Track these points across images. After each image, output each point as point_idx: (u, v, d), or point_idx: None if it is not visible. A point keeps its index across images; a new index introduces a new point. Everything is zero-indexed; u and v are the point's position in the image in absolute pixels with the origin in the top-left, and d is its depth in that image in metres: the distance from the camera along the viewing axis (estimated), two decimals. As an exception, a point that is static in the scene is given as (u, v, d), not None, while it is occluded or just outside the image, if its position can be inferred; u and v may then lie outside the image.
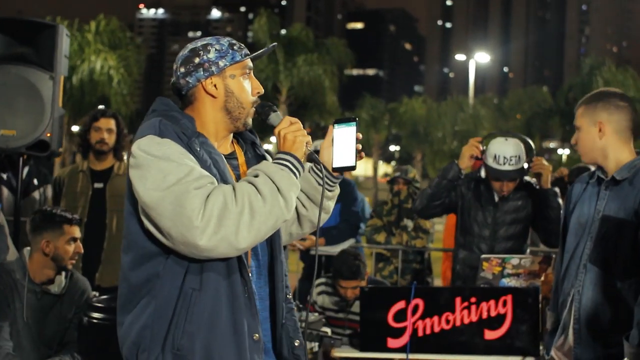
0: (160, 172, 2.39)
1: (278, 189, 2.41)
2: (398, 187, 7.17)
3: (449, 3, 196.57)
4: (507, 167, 5.07)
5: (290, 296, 2.80)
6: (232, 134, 2.77)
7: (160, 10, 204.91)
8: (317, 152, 2.76)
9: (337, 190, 2.85)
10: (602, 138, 3.61)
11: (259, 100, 2.73)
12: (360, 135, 2.66)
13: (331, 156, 2.71)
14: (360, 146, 2.66)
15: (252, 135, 2.87)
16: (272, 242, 2.73)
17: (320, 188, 2.70)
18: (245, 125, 2.71)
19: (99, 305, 4.15)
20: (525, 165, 5.12)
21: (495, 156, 5.06)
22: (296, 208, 2.82)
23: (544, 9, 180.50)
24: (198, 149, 2.51)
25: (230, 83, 2.67)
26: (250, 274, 2.58)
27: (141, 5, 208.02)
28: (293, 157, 2.52)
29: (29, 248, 4.43)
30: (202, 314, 2.45)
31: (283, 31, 41.63)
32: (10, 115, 5.27)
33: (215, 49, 2.66)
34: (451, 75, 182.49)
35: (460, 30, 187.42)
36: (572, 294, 3.63)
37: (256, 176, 2.45)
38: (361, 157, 2.66)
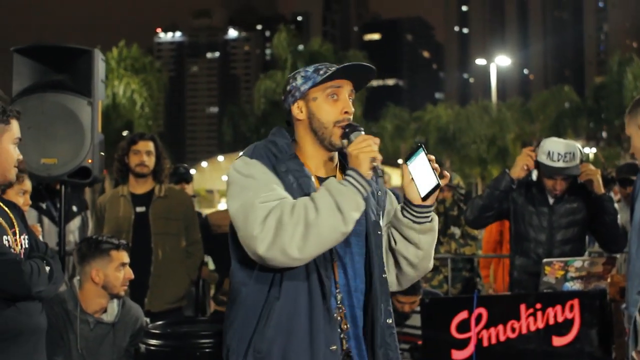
0: (241, 188, 2.70)
1: (336, 202, 2.55)
2: (443, 194, 7.04)
3: (464, 9, 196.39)
4: (561, 164, 4.93)
5: (391, 321, 2.88)
6: (336, 158, 2.92)
7: (178, 34, 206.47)
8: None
9: (433, 223, 2.85)
10: None
11: (346, 120, 2.80)
12: (433, 157, 2.73)
13: (415, 190, 2.76)
14: (436, 165, 2.71)
15: None
16: (371, 264, 2.83)
17: (414, 224, 2.82)
18: (331, 145, 2.83)
19: (155, 331, 4.03)
20: (578, 162, 4.97)
21: (549, 153, 4.92)
22: (394, 249, 2.92)
23: (561, 9, 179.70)
24: (284, 170, 2.75)
25: (312, 105, 2.83)
26: (336, 290, 2.77)
27: (158, 30, 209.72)
28: (356, 172, 2.61)
29: (78, 278, 4.34)
30: (281, 321, 2.68)
31: (301, 47, 41.67)
32: (50, 144, 5.21)
33: (301, 76, 2.86)
34: (471, 80, 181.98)
35: (477, 35, 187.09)
36: None
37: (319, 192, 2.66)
38: (443, 174, 2.72)
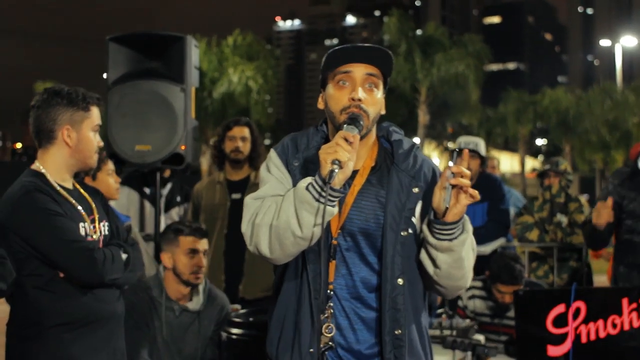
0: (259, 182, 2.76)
1: (295, 205, 2.45)
2: (549, 180, 6.75)
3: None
4: None
5: (400, 332, 2.57)
6: (370, 146, 2.71)
7: (297, 21, 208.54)
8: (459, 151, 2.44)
9: (454, 243, 2.51)
10: None
11: (353, 108, 2.59)
12: (466, 172, 2.41)
13: (441, 199, 2.46)
14: (464, 181, 2.40)
15: (403, 156, 2.70)
16: (382, 266, 2.59)
17: (430, 237, 2.52)
18: None
19: (238, 320, 3.99)
20: None
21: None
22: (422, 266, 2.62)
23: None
24: (297, 164, 2.66)
25: (326, 93, 2.71)
26: (327, 290, 2.60)
27: (277, 18, 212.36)
28: (318, 175, 2.44)
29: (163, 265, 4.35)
30: (278, 318, 2.68)
31: (418, 31, 41.12)
32: (144, 131, 5.28)
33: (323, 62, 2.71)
34: (596, 62, 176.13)
35: (602, 16, 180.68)
36: None
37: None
38: (471, 195, 2.41)
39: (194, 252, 4.24)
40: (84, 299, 3.19)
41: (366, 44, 2.62)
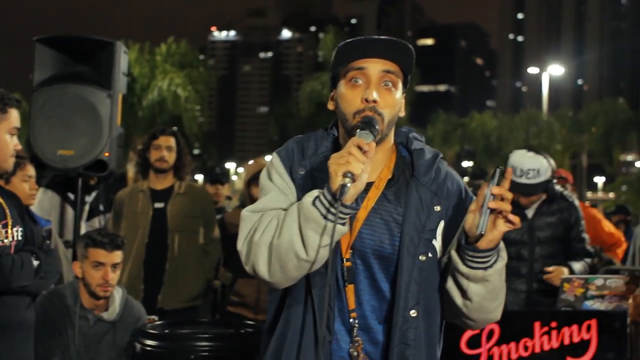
0: (259, 191, 2.43)
1: (299, 224, 2.13)
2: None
3: (520, 16, 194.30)
4: (523, 180, 4.88)
5: None
6: (388, 152, 2.39)
7: (232, 32, 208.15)
8: None
9: (488, 272, 2.18)
10: None
11: (367, 111, 2.25)
12: (508, 195, 2.10)
13: (476, 222, 2.12)
14: (505, 206, 2.10)
15: (424, 166, 2.37)
16: (395, 295, 2.25)
17: (461, 265, 2.19)
18: None
19: (153, 332, 3.94)
20: (544, 178, 4.91)
21: (512, 167, 4.86)
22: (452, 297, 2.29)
23: (619, 19, 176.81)
24: (302, 172, 2.34)
25: (337, 93, 2.36)
26: (350, 319, 2.27)
27: (213, 28, 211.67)
28: (327, 189, 2.12)
29: None
30: (273, 350, 2.34)
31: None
32: (68, 135, 5.19)
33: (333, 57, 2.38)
34: (524, 89, 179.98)
35: (532, 44, 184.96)
36: None
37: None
38: (510, 221, 2.11)
39: (100, 265, 4.11)
40: None
41: (383, 37, 2.29)
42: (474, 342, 4.14)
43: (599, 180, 68.72)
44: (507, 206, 2.08)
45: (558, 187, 5.17)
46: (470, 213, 2.14)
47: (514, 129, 45.28)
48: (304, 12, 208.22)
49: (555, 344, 4.12)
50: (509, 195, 2.09)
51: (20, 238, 3.30)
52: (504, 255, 2.22)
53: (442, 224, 2.31)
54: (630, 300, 4.35)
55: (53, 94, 5.24)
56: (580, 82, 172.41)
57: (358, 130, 2.17)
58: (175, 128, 6.11)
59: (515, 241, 4.95)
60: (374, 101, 2.24)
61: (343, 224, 2.13)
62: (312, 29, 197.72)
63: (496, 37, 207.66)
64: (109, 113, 5.22)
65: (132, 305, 4.32)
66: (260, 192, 2.38)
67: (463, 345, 4.16)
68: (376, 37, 2.28)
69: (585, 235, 5.16)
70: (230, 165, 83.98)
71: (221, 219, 6.22)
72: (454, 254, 2.21)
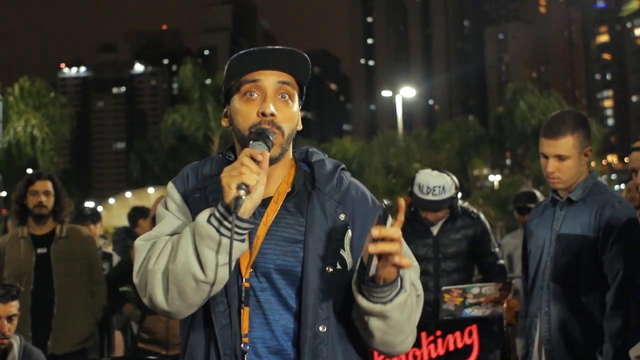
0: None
1: (194, 243, 1.98)
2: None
3: (369, 41, 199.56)
4: (430, 197, 5.18)
5: None
6: (287, 169, 2.25)
7: (82, 69, 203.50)
8: None
9: (388, 307, 2.00)
10: (585, 163, 3.66)
11: (265, 124, 2.13)
12: (394, 235, 1.90)
13: (368, 262, 1.97)
14: (390, 248, 1.90)
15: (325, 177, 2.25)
16: (300, 312, 2.11)
17: (360, 297, 2.03)
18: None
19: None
20: (449, 194, 5.21)
21: (419, 185, 5.17)
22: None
23: (463, 41, 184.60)
24: (197, 195, 2.19)
25: (231, 108, 2.23)
26: (241, 344, 2.10)
27: (62, 65, 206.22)
28: (221, 204, 1.99)
29: None
30: None
31: (208, 80, 41.61)
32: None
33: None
34: (378, 112, 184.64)
35: (383, 67, 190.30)
36: (539, 315, 3.66)
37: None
38: (397, 264, 1.93)
39: None
40: None
41: (278, 47, 2.16)
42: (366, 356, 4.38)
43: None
44: (390, 247, 1.89)
45: (464, 204, 5.50)
46: (365, 249, 1.94)
47: (372, 152, 46.50)
48: (155, 45, 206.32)
49: (441, 351, 4.41)
50: (395, 234, 1.89)
51: None
52: (407, 287, 2.03)
53: (349, 233, 2.17)
54: (505, 305, 4.70)
55: None
56: (431, 102, 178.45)
57: (251, 142, 2.06)
58: (29, 170, 6.07)
59: (420, 257, 5.21)
60: (272, 114, 2.12)
61: (242, 241, 2.00)
62: (165, 61, 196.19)
63: (348, 62, 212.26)
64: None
65: (30, 352, 4.33)
66: (157, 222, 2.24)
67: None
68: (270, 47, 2.15)
69: (496, 250, 5.49)
70: (89, 204, 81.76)
71: (127, 254, 6.21)
72: (354, 285, 2.04)
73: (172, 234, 2.12)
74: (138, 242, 2.15)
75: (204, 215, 1.99)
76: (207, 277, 1.96)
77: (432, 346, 4.42)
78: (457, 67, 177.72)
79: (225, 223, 1.95)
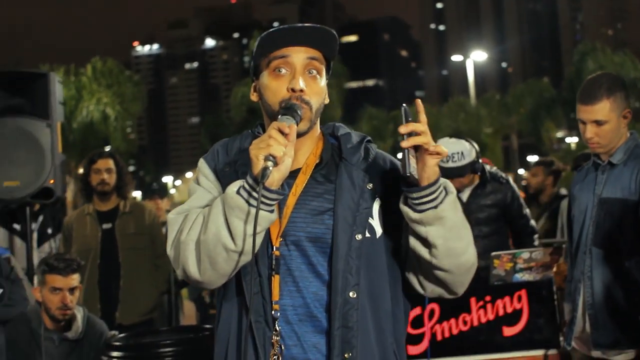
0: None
1: (224, 213, 2.06)
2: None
3: (439, 6, 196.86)
4: (450, 164, 5.24)
5: (349, 355, 2.14)
6: (314, 141, 2.32)
7: (155, 46, 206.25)
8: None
9: (439, 210, 2.08)
10: (624, 126, 3.64)
11: (294, 99, 2.19)
12: (419, 128, 2.03)
13: (406, 162, 2.04)
14: (422, 139, 2.03)
15: (351, 149, 2.30)
16: (332, 279, 2.17)
17: (413, 212, 2.09)
18: None
19: (118, 344, 4.16)
20: (469, 159, 5.27)
21: None
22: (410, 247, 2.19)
23: (535, 1, 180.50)
24: (227, 170, 2.27)
25: (260, 83, 2.29)
26: (272, 311, 2.17)
27: (135, 43, 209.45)
28: (249, 175, 2.06)
29: None
30: (218, 350, 2.27)
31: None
32: (12, 167, 5.33)
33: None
34: (451, 76, 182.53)
35: (454, 32, 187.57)
36: (583, 280, 3.66)
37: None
38: (433, 151, 2.04)
39: (58, 290, 4.31)
40: None
41: (306, 24, 2.20)
42: (417, 323, 4.46)
43: (532, 159, 70.15)
44: (420, 139, 2.01)
45: (492, 169, 5.52)
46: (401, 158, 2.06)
47: (442, 117, 46.16)
48: (225, 19, 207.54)
49: (491, 316, 4.46)
50: (421, 127, 2.01)
51: None
52: (452, 189, 2.13)
53: (377, 202, 2.24)
54: (555, 269, 4.70)
55: (-8, 128, 5.40)
56: (504, 65, 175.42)
57: (279, 116, 2.13)
58: (108, 147, 6.29)
59: None
60: (301, 90, 2.18)
61: (271, 211, 2.06)
62: (235, 35, 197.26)
63: (418, 28, 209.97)
64: (50, 142, 5.39)
65: (94, 322, 4.54)
66: (188, 196, 2.33)
67: (408, 327, 4.46)
68: (299, 24, 2.20)
69: (527, 211, 5.51)
70: (167, 179, 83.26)
71: None
72: (402, 206, 2.10)
73: (203, 207, 2.19)
74: (170, 215, 2.25)
75: (233, 187, 2.06)
76: (237, 247, 2.04)
77: (481, 311, 4.47)
78: (530, 29, 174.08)
79: (254, 194, 2.02)
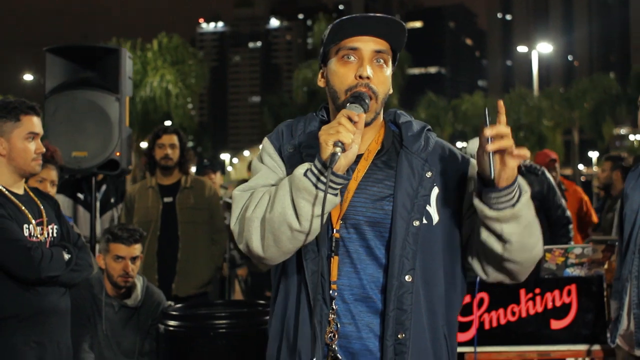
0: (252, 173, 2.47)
1: (291, 194, 2.13)
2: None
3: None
4: None
5: (403, 336, 2.21)
6: (377, 128, 2.39)
7: (220, 24, 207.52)
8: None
9: (516, 208, 2.13)
10: None
11: (361, 87, 2.27)
12: (502, 133, 2.07)
13: (488, 165, 2.09)
14: (504, 143, 2.07)
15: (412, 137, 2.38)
16: (389, 262, 2.25)
17: (489, 210, 2.14)
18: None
19: (175, 313, 4.33)
20: None
21: (470, 155, 5.24)
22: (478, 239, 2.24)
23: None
24: (291, 150, 2.36)
25: (328, 70, 2.37)
26: (330, 291, 2.26)
27: (201, 20, 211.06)
28: (318, 159, 2.13)
29: None
30: (275, 324, 2.37)
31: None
32: (80, 138, 5.53)
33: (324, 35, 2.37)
34: (515, 67, 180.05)
35: (521, 22, 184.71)
36: (630, 279, 3.69)
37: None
38: (514, 154, 2.08)
39: (121, 258, 4.52)
40: (26, 294, 3.44)
41: (377, 14, 2.28)
42: (466, 310, 4.53)
43: (593, 155, 69.07)
44: (505, 142, 2.05)
45: (527, 162, 5.53)
46: (480, 158, 2.11)
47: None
48: (291, 0, 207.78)
49: (539, 309, 4.52)
50: (505, 130, 2.06)
51: (55, 235, 3.65)
52: (526, 188, 2.18)
53: (435, 189, 2.30)
54: (606, 266, 4.72)
55: (64, 100, 5.59)
56: (570, 58, 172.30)
57: (348, 104, 2.20)
58: (168, 123, 6.46)
59: None
60: (368, 77, 2.26)
61: (335, 195, 2.13)
62: (300, 16, 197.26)
63: (484, 17, 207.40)
64: (118, 115, 5.57)
65: (152, 292, 4.72)
66: (252, 174, 2.42)
67: (456, 314, 4.55)
68: (370, 14, 2.28)
69: (562, 201, 5.51)
70: (225, 157, 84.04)
71: None
72: (477, 203, 2.15)
73: (267, 186, 2.29)
74: (236, 192, 2.34)
75: (301, 169, 2.13)
76: (302, 227, 2.12)
77: (530, 303, 4.52)
78: (599, 22, 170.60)
79: (322, 178, 2.10)
